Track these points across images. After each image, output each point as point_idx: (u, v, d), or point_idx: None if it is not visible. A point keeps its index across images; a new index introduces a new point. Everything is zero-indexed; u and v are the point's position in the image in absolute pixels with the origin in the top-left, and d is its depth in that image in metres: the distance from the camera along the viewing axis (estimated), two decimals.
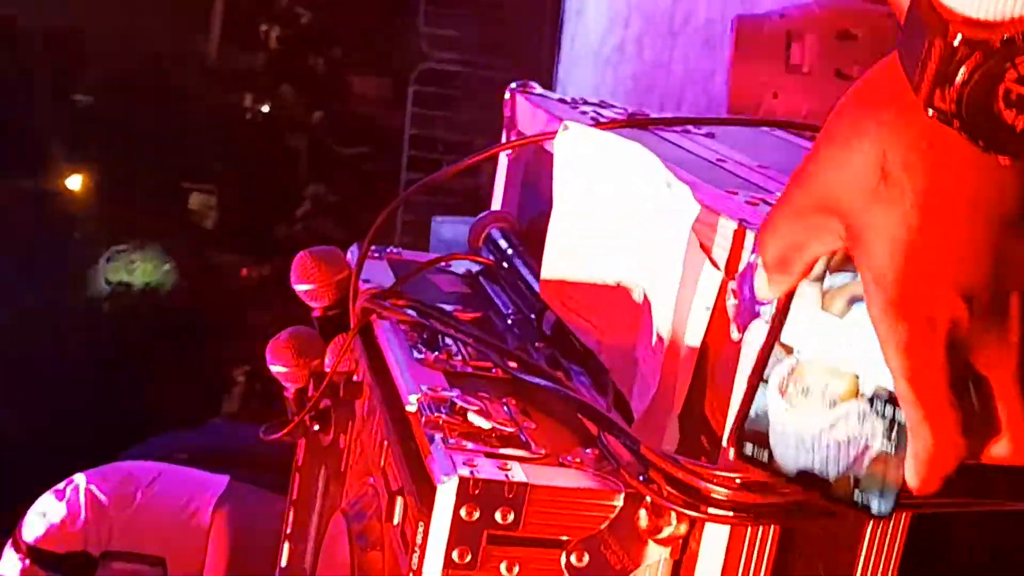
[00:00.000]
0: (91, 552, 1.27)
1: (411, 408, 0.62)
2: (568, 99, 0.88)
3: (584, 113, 0.83)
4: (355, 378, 0.78)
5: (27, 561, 1.30)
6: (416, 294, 0.82)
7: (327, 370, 0.81)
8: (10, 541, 1.35)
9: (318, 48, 7.40)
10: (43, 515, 1.32)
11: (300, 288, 0.86)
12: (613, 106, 0.88)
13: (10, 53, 7.55)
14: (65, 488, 1.34)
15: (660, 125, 0.78)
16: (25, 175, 7.45)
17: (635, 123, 0.78)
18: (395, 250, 0.94)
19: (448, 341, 0.73)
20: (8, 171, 7.16)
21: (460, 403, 0.59)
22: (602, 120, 0.81)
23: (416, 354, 0.70)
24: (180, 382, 6.29)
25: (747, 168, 0.73)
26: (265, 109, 8.71)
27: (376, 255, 0.89)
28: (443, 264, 0.91)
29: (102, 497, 1.29)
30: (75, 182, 8.11)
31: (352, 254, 0.87)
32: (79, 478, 1.36)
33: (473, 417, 0.59)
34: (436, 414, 0.60)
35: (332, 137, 7.21)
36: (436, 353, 0.71)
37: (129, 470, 1.43)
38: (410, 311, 0.75)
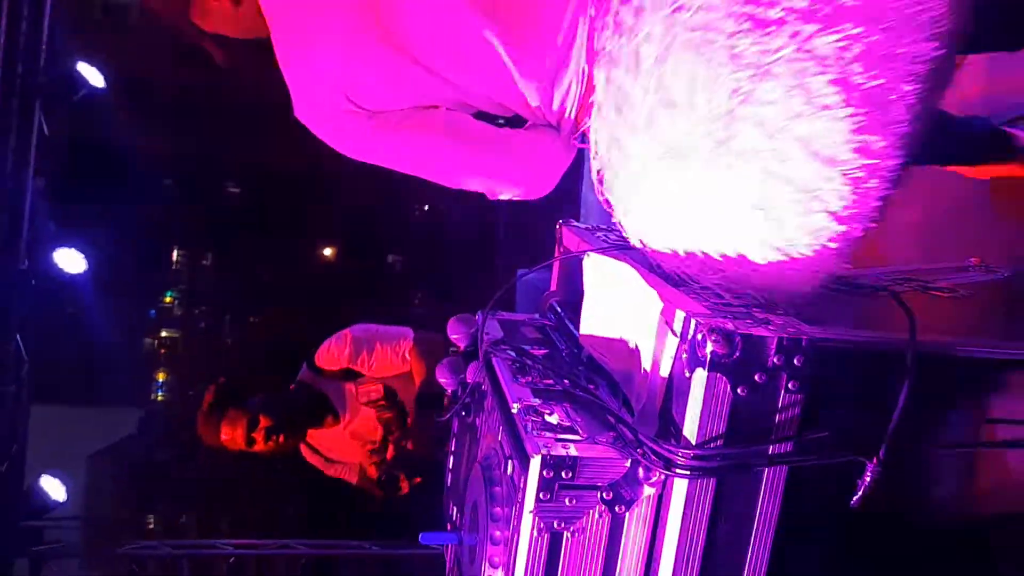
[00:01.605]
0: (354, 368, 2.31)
1: (514, 410, 1.19)
2: (591, 226, 1.47)
3: (598, 237, 1.40)
4: (483, 387, 1.36)
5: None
6: (513, 340, 1.40)
7: (469, 382, 1.39)
8: (305, 362, 2.41)
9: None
10: (327, 348, 2.29)
11: (452, 336, 1.45)
12: (616, 230, 1.45)
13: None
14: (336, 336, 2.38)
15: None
16: None
17: (622, 247, 1.34)
18: (502, 314, 1.53)
19: (533, 370, 1.31)
20: None
21: (540, 408, 1.14)
22: (606, 243, 1.38)
23: (516, 377, 1.28)
24: None
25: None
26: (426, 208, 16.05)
27: (492, 317, 1.49)
28: (527, 320, 1.50)
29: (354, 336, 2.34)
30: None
31: (479, 316, 1.46)
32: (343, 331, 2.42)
33: (547, 417, 1.14)
34: (527, 415, 1.15)
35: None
36: (526, 377, 1.28)
37: (366, 327, 2.50)
38: (511, 352, 1.33)
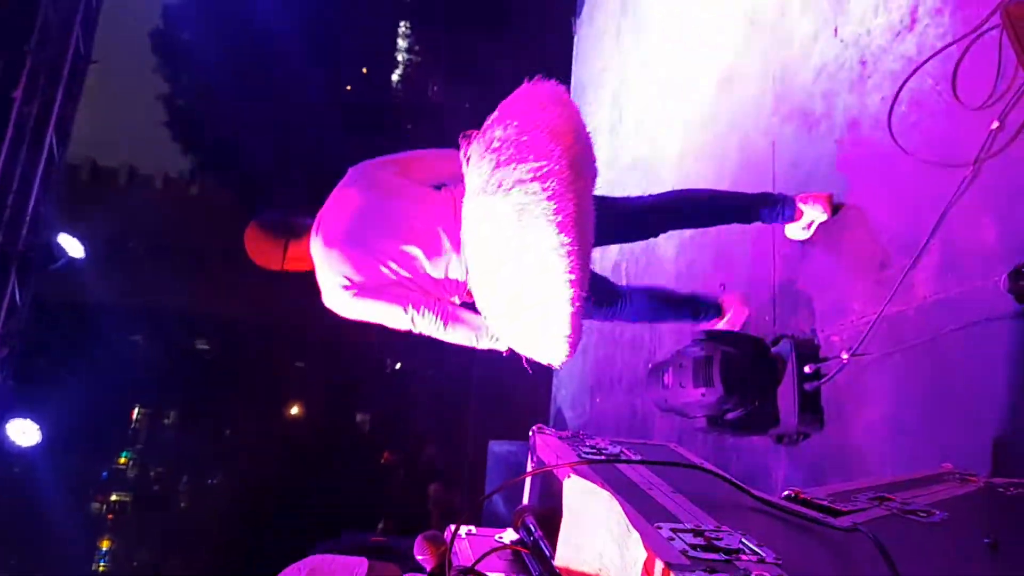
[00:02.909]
0: None
1: None
2: (564, 434, 1.44)
3: (573, 449, 1.38)
4: None
5: None
6: (483, 565, 1.33)
7: None
8: None
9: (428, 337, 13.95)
10: None
11: (419, 557, 1.38)
12: (588, 438, 1.43)
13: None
14: (290, 570, 2.36)
15: (615, 463, 1.33)
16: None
17: (604, 461, 1.33)
18: (472, 531, 1.47)
19: None
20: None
21: None
22: (583, 455, 1.36)
23: None
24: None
25: (664, 494, 1.26)
26: (398, 367, 17.45)
27: (460, 537, 1.42)
28: (498, 537, 1.44)
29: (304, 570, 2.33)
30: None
31: (448, 533, 1.40)
32: (303, 561, 2.41)
33: None
34: None
35: (431, 381, 13.44)
36: None
37: (321, 558, 2.43)
38: None
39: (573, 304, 1.76)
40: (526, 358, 1.99)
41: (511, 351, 2.00)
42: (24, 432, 4.95)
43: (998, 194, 2.15)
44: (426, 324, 2.13)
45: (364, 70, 21.23)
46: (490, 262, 1.84)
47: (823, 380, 2.69)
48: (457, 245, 2.11)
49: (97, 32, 7.15)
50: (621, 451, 1.40)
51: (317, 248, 2.19)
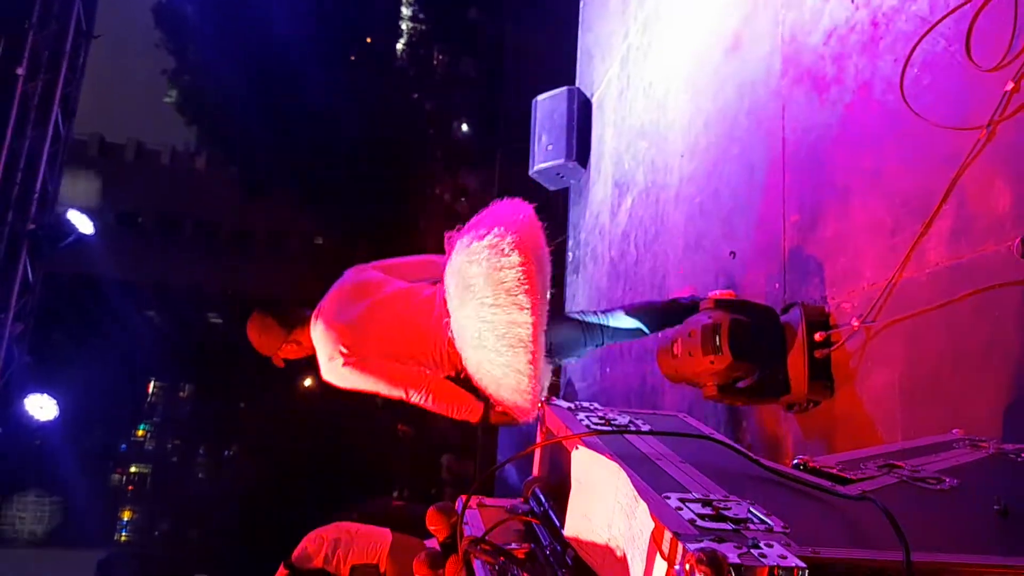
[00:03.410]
0: (328, 570, 2.45)
1: None
2: (573, 406, 1.45)
3: (580, 420, 1.38)
4: None
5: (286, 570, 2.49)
6: (494, 535, 1.35)
7: None
8: (282, 562, 2.53)
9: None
10: (303, 549, 2.39)
11: (431, 527, 1.41)
12: (598, 410, 1.44)
13: None
14: (314, 535, 2.52)
15: (624, 434, 1.34)
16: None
17: (612, 432, 1.33)
18: (483, 501, 1.48)
19: (514, 573, 1.25)
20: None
21: None
22: (592, 426, 1.36)
23: None
24: None
25: (673, 464, 1.26)
26: None
27: (472, 506, 1.44)
28: (509, 507, 1.45)
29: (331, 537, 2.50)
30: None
31: (459, 503, 1.42)
32: (321, 530, 2.60)
33: None
34: None
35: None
36: None
37: (346, 526, 2.63)
38: (490, 553, 1.28)
39: (531, 367, 2.12)
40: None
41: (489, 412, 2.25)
42: (42, 407, 5.02)
43: (1012, 157, 2.12)
44: (415, 397, 2.41)
45: (368, 39, 21.00)
46: (468, 334, 2.23)
47: (833, 347, 2.69)
48: (440, 328, 2.40)
49: (99, 8, 7.10)
50: (630, 422, 1.41)
51: (318, 331, 2.44)
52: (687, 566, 0.91)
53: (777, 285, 3.19)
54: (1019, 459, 1.58)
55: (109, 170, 25.19)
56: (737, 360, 2.59)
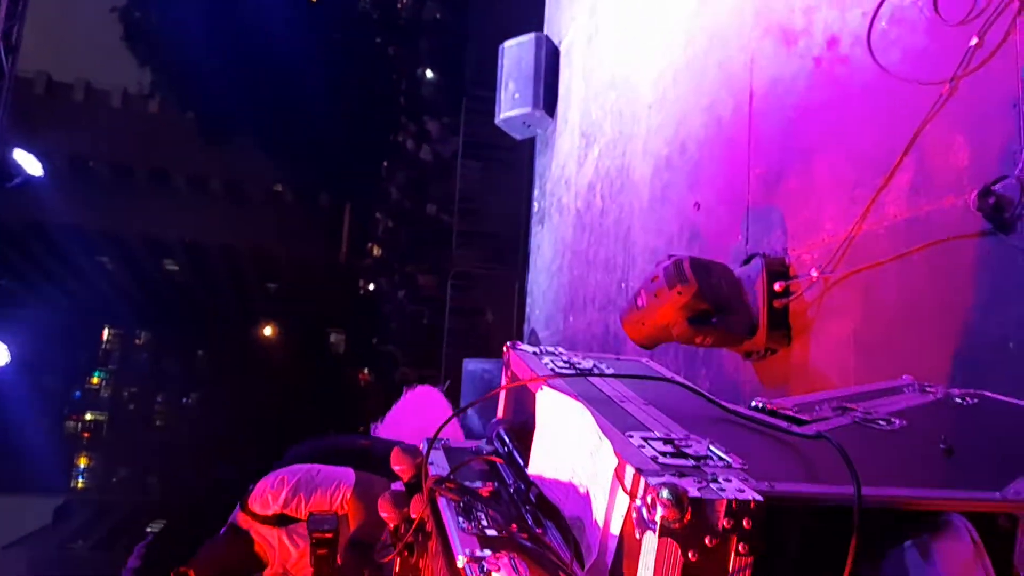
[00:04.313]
0: (288, 513, 2.18)
1: (460, 563, 1.14)
2: (538, 350, 1.46)
3: (545, 364, 1.40)
4: (427, 528, 1.31)
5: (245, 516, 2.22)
6: (459, 474, 1.36)
7: (413, 518, 1.34)
8: (239, 504, 2.24)
9: (400, 261, 13.91)
10: (262, 492, 2.18)
11: (396, 468, 1.41)
12: (563, 354, 1.45)
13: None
14: (273, 478, 2.23)
15: (588, 376, 1.35)
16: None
17: (576, 375, 1.35)
18: (448, 441, 1.49)
19: (479, 511, 1.27)
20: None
21: (487, 565, 1.11)
22: (557, 369, 1.37)
23: (461, 522, 1.24)
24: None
25: (636, 406, 1.28)
26: (371, 287, 19.00)
27: (436, 447, 1.45)
28: (473, 448, 1.47)
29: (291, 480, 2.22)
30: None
31: (424, 445, 1.42)
32: (280, 472, 2.26)
33: (495, 574, 1.09)
34: (473, 573, 1.10)
35: (407, 304, 13.41)
36: (471, 523, 1.24)
37: (307, 468, 2.29)
38: (454, 492, 1.29)
39: None
40: None
41: None
42: None
43: (972, 112, 2.15)
44: None
45: None
46: None
47: (792, 297, 2.74)
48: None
49: None
50: (594, 365, 1.42)
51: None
52: (649, 499, 0.93)
53: (740, 237, 3.23)
54: (964, 403, 1.64)
55: (57, 111, 24.16)
56: (702, 288, 2.59)
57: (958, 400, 1.65)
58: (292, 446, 2.47)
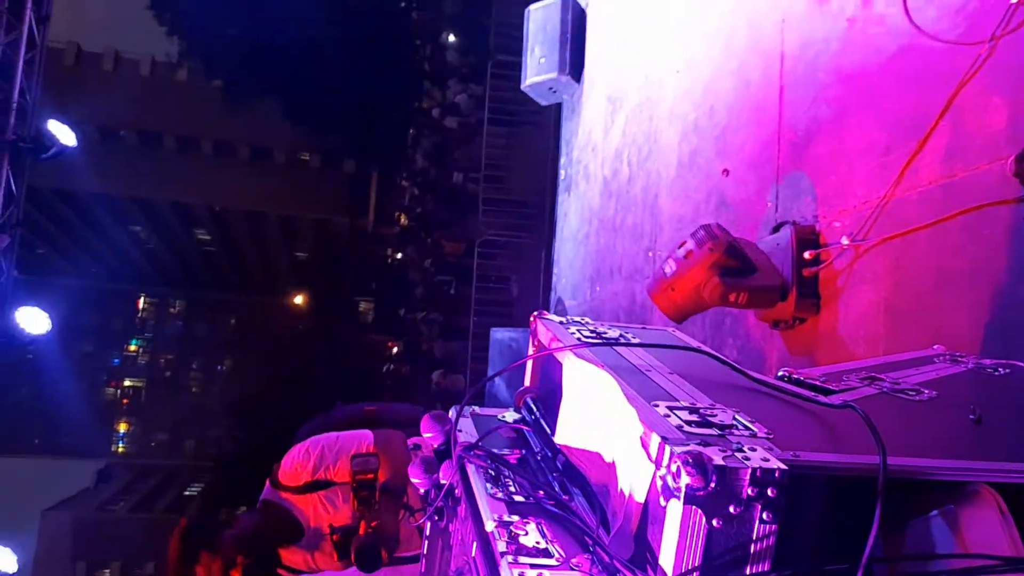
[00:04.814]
0: (319, 477, 2.24)
1: (488, 528, 1.17)
2: (564, 320, 1.47)
3: (572, 333, 1.41)
4: (456, 493, 1.34)
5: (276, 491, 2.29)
6: (487, 441, 1.39)
7: (443, 482, 1.38)
8: (269, 481, 2.29)
9: (427, 229, 14.03)
10: (290, 465, 2.25)
11: (425, 435, 1.44)
12: (589, 324, 1.46)
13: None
14: (297, 451, 2.30)
15: (614, 346, 1.36)
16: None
17: (603, 344, 1.36)
18: (476, 411, 1.52)
19: (507, 477, 1.30)
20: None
21: (515, 529, 1.14)
22: (583, 339, 1.38)
23: (489, 488, 1.27)
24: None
25: (662, 375, 1.29)
26: (399, 256, 18.73)
27: (465, 415, 1.48)
28: (501, 416, 1.49)
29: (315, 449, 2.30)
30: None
31: (453, 412, 1.45)
32: (303, 444, 2.34)
33: (522, 538, 1.12)
34: (502, 534, 1.13)
35: (435, 273, 13.22)
36: (499, 489, 1.27)
37: (327, 437, 2.36)
38: (484, 458, 1.32)
39: None
40: None
41: None
42: (34, 320, 5.03)
43: (1011, 73, 2.09)
44: None
45: None
46: None
47: (822, 265, 2.71)
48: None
49: None
50: (620, 335, 1.43)
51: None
52: (674, 467, 0.94)
53: (769, 203, 3.19)
54: (996, 373, 1.63)
55: (88, 81, 24.40)
56: (732, 244, 2.54)
57: (990, 370, 1.63)
58: (304, 424, 2.52)
